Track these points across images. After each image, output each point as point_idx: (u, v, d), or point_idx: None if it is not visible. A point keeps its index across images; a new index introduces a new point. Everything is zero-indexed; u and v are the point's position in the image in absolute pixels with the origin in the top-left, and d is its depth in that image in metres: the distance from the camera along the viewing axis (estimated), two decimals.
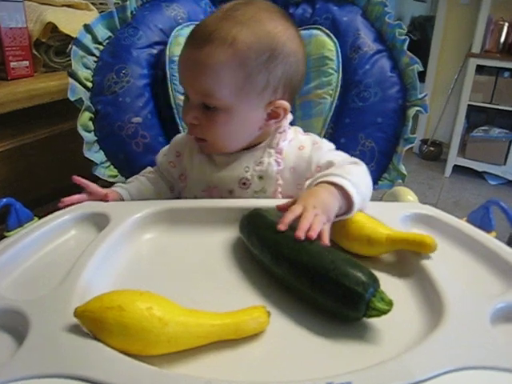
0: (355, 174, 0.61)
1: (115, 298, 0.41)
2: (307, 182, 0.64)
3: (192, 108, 0.66)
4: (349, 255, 0.48)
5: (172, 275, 0.54)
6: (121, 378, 0.36)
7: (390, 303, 0.43)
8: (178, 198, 0.78)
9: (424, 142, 3.32)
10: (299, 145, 0.71)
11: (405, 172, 0.83)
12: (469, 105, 2.90)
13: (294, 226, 0.54)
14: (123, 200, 0.73)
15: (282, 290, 0.50)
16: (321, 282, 0.45)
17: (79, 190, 0.84)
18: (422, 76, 3.22)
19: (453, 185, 2.93)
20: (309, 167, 0.69)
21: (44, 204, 0.99)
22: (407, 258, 0.55)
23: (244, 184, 0.70)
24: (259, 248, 0.53)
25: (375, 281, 0.45)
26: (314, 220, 0.52)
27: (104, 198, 0.69)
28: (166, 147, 0.80)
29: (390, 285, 0.50)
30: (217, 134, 0.68)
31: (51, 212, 0.64)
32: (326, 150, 0.71)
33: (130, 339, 0.40)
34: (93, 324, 0.40)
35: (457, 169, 3.04)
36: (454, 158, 3.03)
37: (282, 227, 0.51)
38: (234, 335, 0.43)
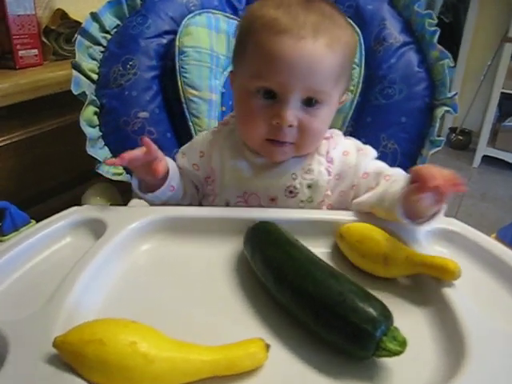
0: None
1: (97, 330, 0.37)
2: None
3: (292, 108, 0.59)
4: (359, 285, 0.43)
5: (166, 293, 0.50)
6: None
7: (403, 344, 0.38)
8: (202, 200, 0.74)
9: (452, 130, 3.19)
10: (343, 150, 0.68)
11: None
12: (502, 92, 2.76)
13: (300, 245, 0.49)
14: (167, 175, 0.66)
15: (284, 318, 0.45)
16: (326, 315, 0.41)
17: (84, 182, 0.81)
18: (453, 61, 3.11)
19: (481, 176, 2.81)
20: (356, 174, 0.67)
21: (51, 197, 0.97)
22: (427, 282, 0.49)
23: (291, 192, 0.65)
24: (262, 268, 0.49)
25: (388, 317, 0.40)
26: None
27: (153, 168, 0.62)
28: (185, 146, 0.74)
29: (405, 314, 0.46)
30: (316, 131, 0.62)
31: (52, 210, 0.61)
32: (371, 157, 0.69)
33: (112, 376, 0.36)
34: (72, 357, 0.37)
35: (486, 159, 2.91)
36: (483, 148, 2.90)
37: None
38: (227, 372, 0.39)
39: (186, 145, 0.74)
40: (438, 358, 0.41)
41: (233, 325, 0.45)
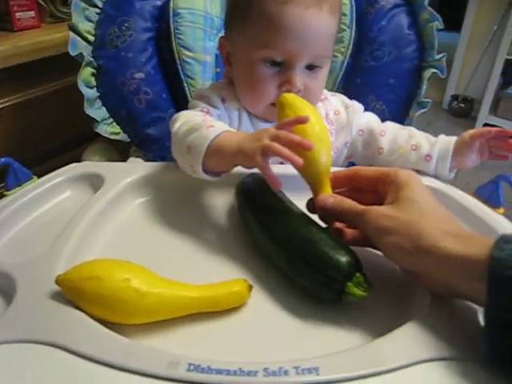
0: None
1: (94, 268, 0.41)
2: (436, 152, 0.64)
3: (298, 74, 0.60)
4: (331, 235, 0.45)
5: (159, 240, 0.54)
6: (94, 349, 0.36)
7: (367, 289, 0.41)
8: None
9: (454, 97, 3.16)
10: (334, 109, 0.71)
11: None
12: (506, 59, 2.72)
13: (282, 197, 0.52)
14: None
15: (265, 263, 0.49)
16: (296, 262, 0.44)
17: (84, 143, 0.83)
18: (457, 25, 3.05)
19: None
20: (349, 132, 0.71)
21: (49, 159, 1.00)
22: None
23: None
24: (246, 217, 0.52)
25: (352, 265, 0.42)
26: None
27: None
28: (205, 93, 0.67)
29: (381, 263, 0.49)
30: (317, 92, 0.65)
31: (54, 169, 0.64)
32: (360, 112, 0.72)
33: (108, 309, 0.40)
34: (72, 293, 0.41)
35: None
36: (484, 116, 2.89)
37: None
38: (213, 308, 0.43)
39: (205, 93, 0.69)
40: (405, 301, 0.44)
41: (220, 267, 0.49)
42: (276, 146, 0.46)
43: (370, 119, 0.71)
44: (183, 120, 0.60)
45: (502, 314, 0.32)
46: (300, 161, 0.45)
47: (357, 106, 0.72)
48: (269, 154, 0.46)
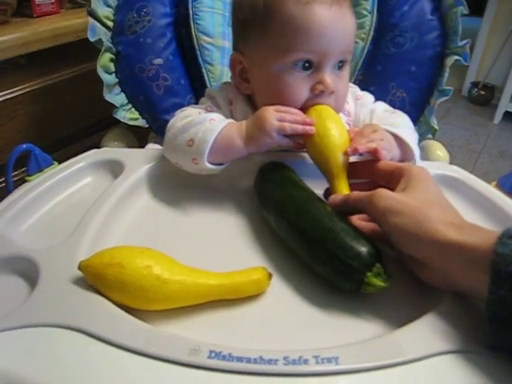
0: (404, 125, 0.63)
1: (116, 255, 0.42)
2: None
3: (329, 74, 0.58)
4: (352, 225, 0.45)
5: (179, 228, 0.54)
6: (116, 334, 0.37)
7: (387, 280, 0.41)
8: None
9: (475, 84, 3.09)
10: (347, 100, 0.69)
11: (436, 126, 0.78)
12: None
13: (302, 185, 0.52)
14: None
15: (285, 252, 0.49)
16: (317, 250, 0.44)
17: (104, 129, 0.83)
18: (480, 10, 2.96)
19: (501, 132, 2.75)
20: (356, 124, 0.68)
21: (68, 145, 1.01)
22: None
23: None
24: (266, 205, 0.53)
25: (373, 255, 0.42)
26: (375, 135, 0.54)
27: None
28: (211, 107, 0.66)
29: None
30: (344, 93, 0.63)
31: (72, 155, 0.65)
32: (369, 105, 0.69)
33: (129, 295, 0.41)
34: (94, 279, 0.42)
35: (508, 116, 2.83)
36: (505, 104, 2.82)
37: (350, 152, 0.52)
38: (233, 296, 0.43)
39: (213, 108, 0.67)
40: (423, 293, 0.44)
41: (240, 255, 0.49)
42: (287, 125, 0.54)
43: (375, 110, 0.68)
44: (180, 115, 0.62)
45: (502, 308, 0.34)
46: (312, 128, 0.54)
47: (367, 99, 0.70)
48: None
